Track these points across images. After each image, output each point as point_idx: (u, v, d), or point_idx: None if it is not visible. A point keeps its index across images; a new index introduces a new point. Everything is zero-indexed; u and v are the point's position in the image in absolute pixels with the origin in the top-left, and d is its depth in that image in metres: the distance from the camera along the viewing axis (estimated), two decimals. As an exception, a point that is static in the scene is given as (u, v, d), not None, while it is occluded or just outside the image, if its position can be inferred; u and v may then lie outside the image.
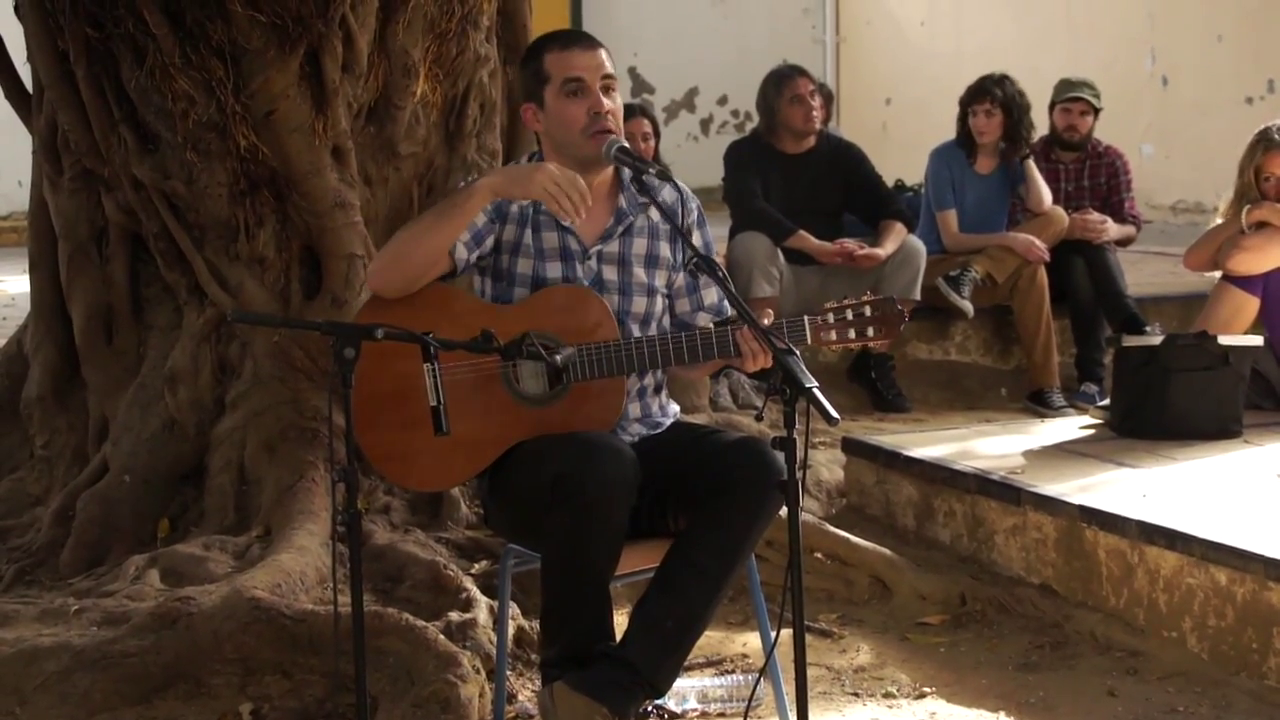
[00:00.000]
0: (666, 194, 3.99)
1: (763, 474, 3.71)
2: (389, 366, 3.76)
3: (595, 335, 3.83)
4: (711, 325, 3.96)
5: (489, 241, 3.91)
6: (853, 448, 6.11)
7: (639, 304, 3.99)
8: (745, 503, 3.74)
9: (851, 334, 3.82)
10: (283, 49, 5.13)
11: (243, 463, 5.26)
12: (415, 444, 3.79)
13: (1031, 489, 5.21)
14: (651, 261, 4.01)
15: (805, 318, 3.80)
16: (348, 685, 3.78)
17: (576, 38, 3.99)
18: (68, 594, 4.77)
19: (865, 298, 3.85)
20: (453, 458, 3.83)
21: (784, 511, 3.49)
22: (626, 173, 3.95)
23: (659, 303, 4.03)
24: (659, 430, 4.03)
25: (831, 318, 3.81)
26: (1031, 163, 7.97)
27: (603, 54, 3.95)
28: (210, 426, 5.34)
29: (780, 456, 3.59)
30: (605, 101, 3.89)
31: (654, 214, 3.99)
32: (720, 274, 3.71)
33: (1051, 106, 8.36)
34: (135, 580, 4.75)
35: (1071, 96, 8.26)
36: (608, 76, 3.93)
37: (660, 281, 4.03)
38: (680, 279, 4.07)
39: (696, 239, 4.00)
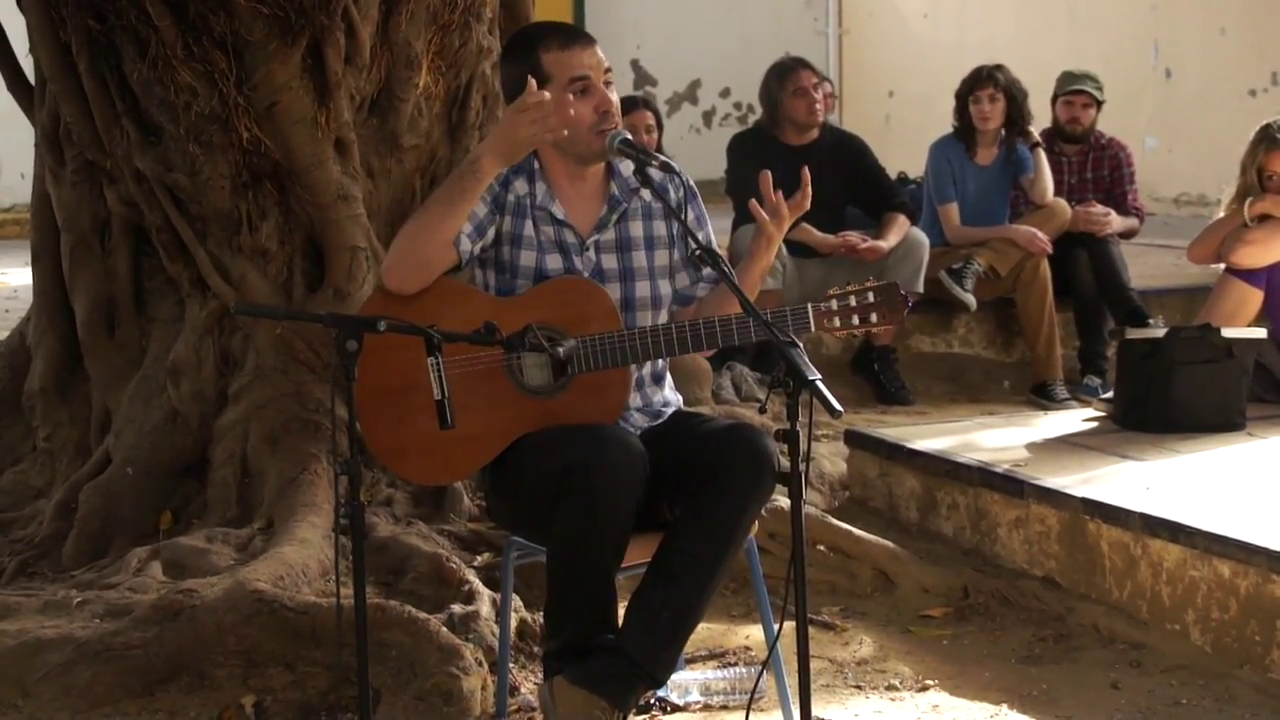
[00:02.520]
0: (653, 173, 3.93)
1: (753, 459, 3.71)
2: (393, 361, 3.76)
3: (598, 326, 3.83)
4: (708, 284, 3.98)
5: (490, 233, 3.91)
6: (855, 440, 6.10)
7: (643, 288, 3.99)
8: (736, 488, 3.74)
9: (855, 320, 3.82)
10: (285, 41, 5.13)
11: (245, 455, 5.26)
12: (421, 438, 3.79)
13: (1034, 482, 5.21)
14: (650, 243, 4.01)
15: (809, 305, 3.80)
16: (350, 678, 3.78)
17: (573, 35, 3.97)
18: (70, 586, 4.77)
19: (869, 284, 3.85)
20: (459, 451, 3.83)
21: (788, 504, 3.48)
22: (618, 160, 3.95)
23: (665, 284, 4.04)
24: (660, 420, 4.03)
25: (835, 304, 3.81)
26: (1041, 152, 7.97)
27: (599, 49, 3.95)
28: (213, 419, 5.34)
29: (771, 441, 3.59)
30: (611, 97, 3.89)
31: (645, 194, 3.98)
32: (724, 265, 3.71)
33: (1054, 99, 8.36)
34: (138, 573, 4.75)
35: (1074, 89, 8.26)
36: (608, 71, 3.93)
37: (662, 261, 4.03)
38: (676, 254, 4.06)
39: (689, 214, 3.99)
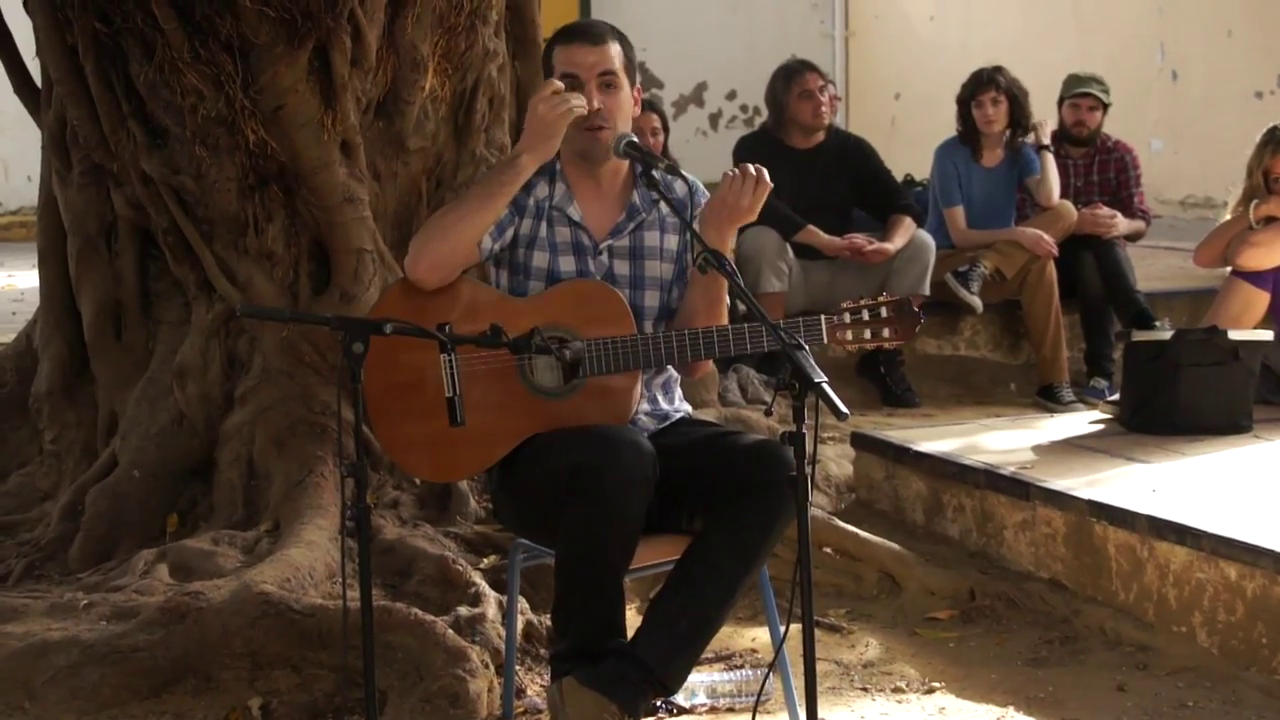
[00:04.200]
0: (677, 188, 3.99)
1: (781, 478, 3.70)
2: (405, 357, 3.77)
3: (611, 329, 3.83)
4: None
5: (509, 234, 3.92)
6: (862, 443, 6.10)
7: (652, 298, 4.00)
8: (763, 506, 3.74)
9: (867, 334, 3.83)
10: (291, 44, 5.13)
11: (251, 458, 5.26)
12: (430, 435, 3.80)
13: (1041, 484, 5.21)
14: (666, 255, 4.02)
15: (822, 317, 3.81)
16: (356, 680, 3.78)
17: (582, 32, 3.99)
18: (77, 588, 4.78)
19: (882, 298, 3.86)
20: (468, 449, 3.84)
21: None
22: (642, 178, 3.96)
23: (671, 297, 4.03)
24: (667, 423, 4.03)
25: (848, 317, 3.82)
26: (1049, 155, 7.96)
27: (609, 50, 3.94)
28: (219, 421, 5.34)
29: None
30: (596, 99, 3.89)
31: (665, 207, 3.99)
32: (729, 268, 3.71)
33: (1060, 102, 8.35)
34: (144, 575, 4.75)
35: (1080, 92, 8.25)
36: (606, 73, 3.92)
37: (668, 274, 4.03)
38: (673, 269, 4.06)
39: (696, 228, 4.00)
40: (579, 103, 3.80)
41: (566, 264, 3.94)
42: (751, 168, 3.87)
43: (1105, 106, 8.30)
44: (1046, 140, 8.02)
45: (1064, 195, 8.06)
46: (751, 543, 3.76)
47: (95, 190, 5.56)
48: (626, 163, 3.98)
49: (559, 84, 3.82)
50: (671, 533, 3.86)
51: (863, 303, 3.85)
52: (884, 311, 3.83)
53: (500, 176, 3.88)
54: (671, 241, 4.04)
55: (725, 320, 3.95)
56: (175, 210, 5.33)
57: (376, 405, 3.82)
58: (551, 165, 3.97)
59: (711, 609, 3.77)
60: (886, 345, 3.93)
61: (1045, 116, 8.20)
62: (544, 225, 3.94)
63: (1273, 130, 6.66)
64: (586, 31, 4.00)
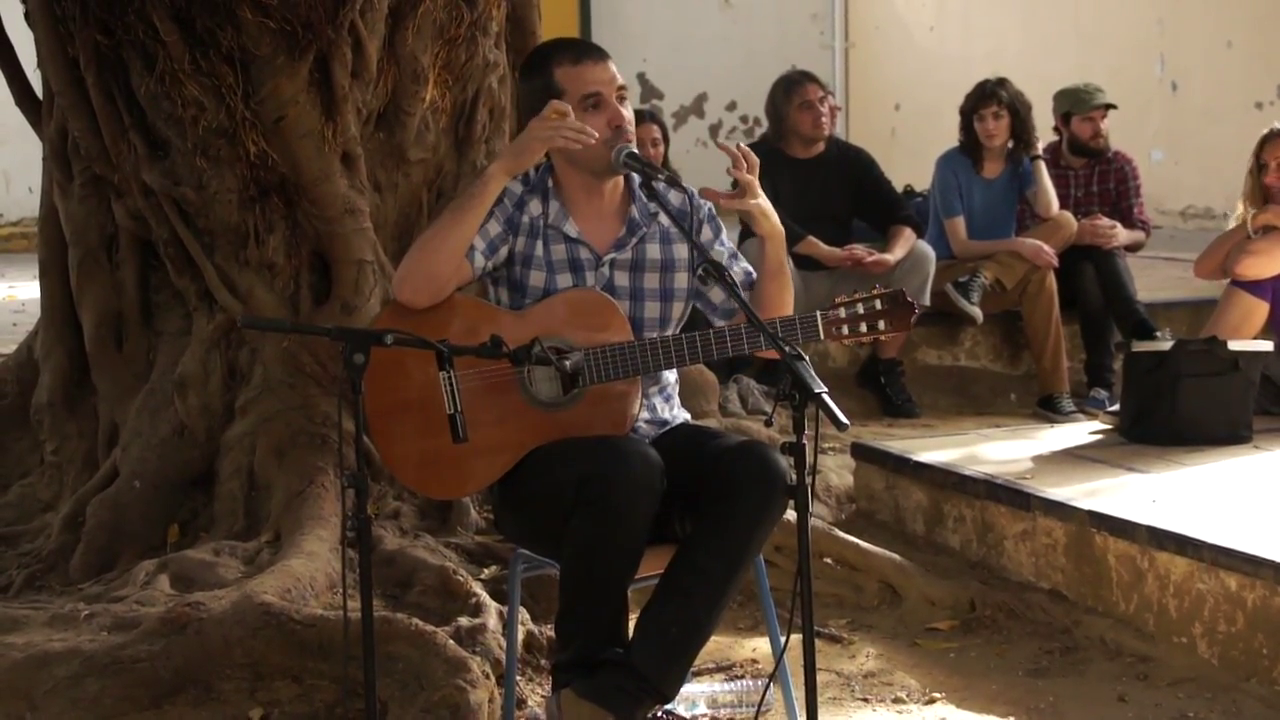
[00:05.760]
0: (673, 198, 3.99)
1: (766, 477, 3.71)
2: (405, 375, 3.77)
3: (609, 338, 3.83)
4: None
5: (503, 251, 3.92)
6: (862, 453, 6.11)
7: (652, 309, 3.99)
8: (748, 507, 3.73)
9: (863, 327, 3.84)
10: (292, 55, 5.15)
11: (252, 468, 5.26)
12: (434, 452, 3.79)
13: (1041, 494, 5.21)
14: (668, 266, 4.01)
15: (818, 313, 3.81)
16: (357, 690, 3.78)
17: (586, 50, 3.99)
18: (78, 599, 4.78)
19: (875, 291, 3.86)
20: (472, 464, 3.83)
21: (793, 516, 3.49)
22: (637, 180, 3.96)
23: (676, 308, 4.03)
24: (664, 430, 4.03)
25: (843, 312, 3.83)
26: (1042, 165, 7.96)
27: (612, 65, 3.96)
28: (220, 432, 5.35)
29: (783, 460, 3.60)
30: (625, 112, 3.91)
31: (664, 218, 3.99)
32: (728, 279, 3.71)
33: (1065, 116, 8.31)
34: (145, 585, 4.75)
35: (1099, 104, 8.22)
36: (621, 87, 3.94)
37: (683, 284, 4.03)
38: (686, 277, 4.07)
39: (707, 233, 4.01)
40: (578, 128, 3.75)
41: (564, 281, 3.93)
42: (734, 154, 3.88)
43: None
44: (1039, 150, 8.01)
45: (1065, 206, 8.06)
46: (738, 544, 3.75)
47: (96, 202, 5.57)
48: (623, 177, 3.99)
49: (565, 106, 3.78)
50: (668, 541, 3.86)
51: (857, 296, 3.85)
52: (879, 304, 3.84)
53: (469, 190, 3.89)
54: (681, 251, 4.03)
55: (790, 301, 3.96)
56: (176, 221, 5.34)
57: (378, 425, 3.82)
58: (544, 183, 3.97)
59: (702, 613, 3.76)
60: (882, 340, 3.94)
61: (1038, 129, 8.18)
62: (539, 244, 3.94)
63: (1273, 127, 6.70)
64: (592, 49, 4.00)
